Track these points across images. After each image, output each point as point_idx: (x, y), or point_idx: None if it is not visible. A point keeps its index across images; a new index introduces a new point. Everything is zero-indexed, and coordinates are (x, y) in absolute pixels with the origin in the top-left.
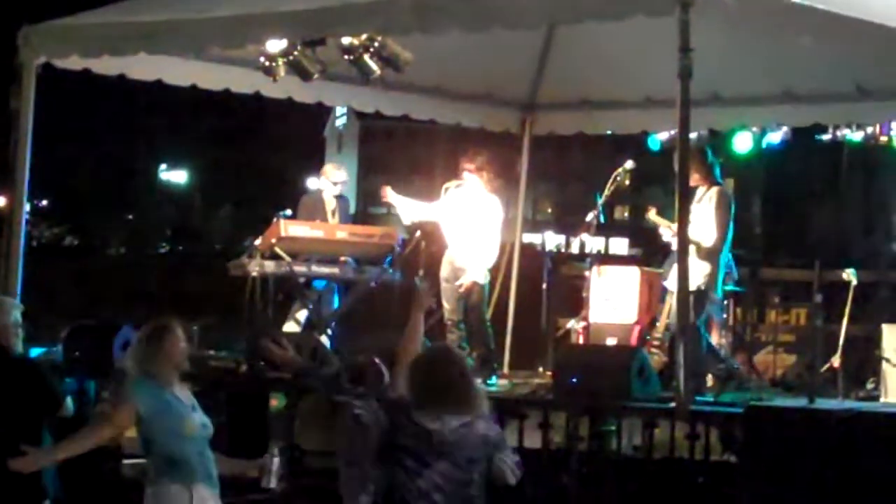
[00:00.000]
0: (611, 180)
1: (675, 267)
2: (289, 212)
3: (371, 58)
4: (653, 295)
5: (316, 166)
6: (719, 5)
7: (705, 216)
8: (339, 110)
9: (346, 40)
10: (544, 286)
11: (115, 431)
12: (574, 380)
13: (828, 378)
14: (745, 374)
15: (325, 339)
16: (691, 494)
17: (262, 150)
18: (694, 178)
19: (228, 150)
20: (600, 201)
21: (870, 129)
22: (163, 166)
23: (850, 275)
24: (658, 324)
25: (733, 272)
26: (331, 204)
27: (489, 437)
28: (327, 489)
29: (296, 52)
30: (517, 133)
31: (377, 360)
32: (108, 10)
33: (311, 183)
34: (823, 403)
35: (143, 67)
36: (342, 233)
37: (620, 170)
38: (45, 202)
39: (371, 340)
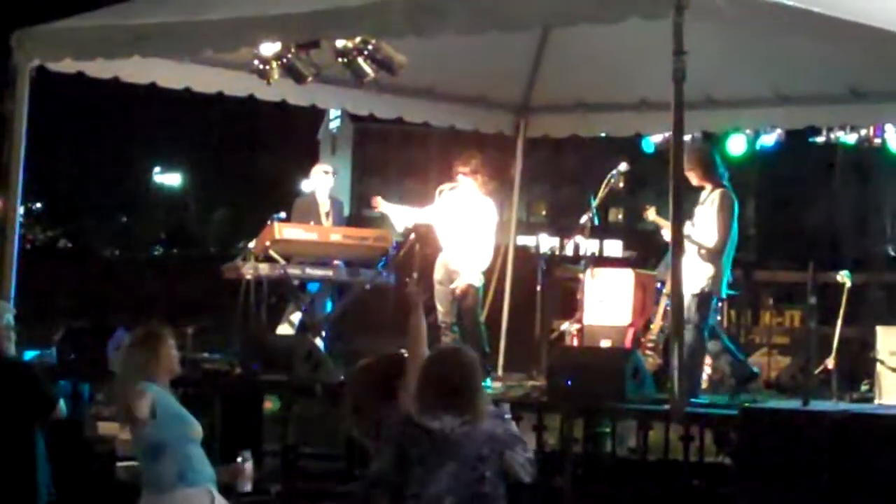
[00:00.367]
0: (605, 183)
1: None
2: (283, 214)
3: (365, 61)
4: (647, 297)
5: (310, 169)
6: (713, 8)
7: (708, 218)
8: (333, 113)
9: (339, 43)
10: (538, 288)
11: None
12: (568, 382)
13: (822, 380)
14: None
15: (319, 342)
16: (686, 496)
17: (256, 153)
18: (698, 179)
19: (222, 152)
20: (594, 204)
21: (863, 132)
22: (157, 169)
23: (844, 276)
24: (652, 326)
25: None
26: (324, 206)
27: (496, 434)
28: (322, 491)
29: (290, 55)
30: (511, 135)
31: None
32: (102, 13)
33: (305, 185)
34: (818, 405)
35: (136, 70)
36: (336, 235)
37: (614, 172)
38: (39, 205)
39: (365, 343)
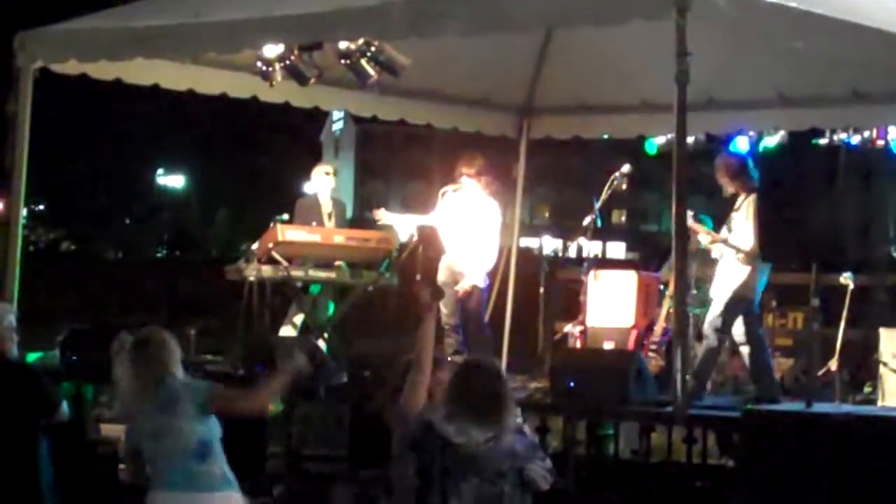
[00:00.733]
0: (608, 184)
1: (717, 273)
2: (286, 216)
3: (368, 62)
4: (650, 299)
5: (312, 171)
6: (716, 9)
7: (744, 223)
8: (337, 115)
9: (342, 45)
10: (541, 290)
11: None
12: (571, 384)
13: (825, 382)
14: (745, 378)
15: (321, 344)
16: (689, 498)
17: (258, 154)
18: (731, 188)
19: (225, 154)
20: (597, 205)
21: (866, 133)
22: (160, 171)
23: (847, 278)
24: (655, 328)
25: None
26: (327, 207)
27: (517, 450)
28: (325, 494)
29: (292, 57)
30: (514, 137)
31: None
32: (105, 14)
33: (307, 187)
34: (821, 407)
35: (139, 72)
36: (339, 237)
37: (617, 174)
38: (42, 207)
39: (367, 345)
